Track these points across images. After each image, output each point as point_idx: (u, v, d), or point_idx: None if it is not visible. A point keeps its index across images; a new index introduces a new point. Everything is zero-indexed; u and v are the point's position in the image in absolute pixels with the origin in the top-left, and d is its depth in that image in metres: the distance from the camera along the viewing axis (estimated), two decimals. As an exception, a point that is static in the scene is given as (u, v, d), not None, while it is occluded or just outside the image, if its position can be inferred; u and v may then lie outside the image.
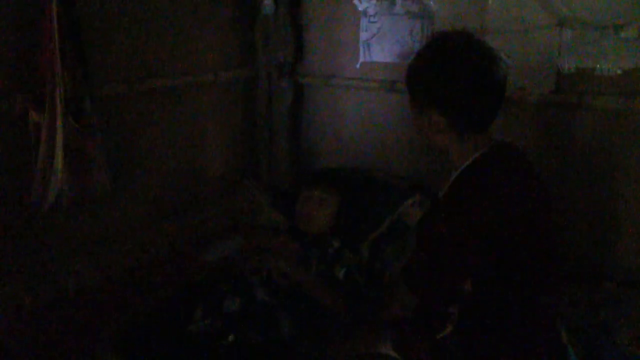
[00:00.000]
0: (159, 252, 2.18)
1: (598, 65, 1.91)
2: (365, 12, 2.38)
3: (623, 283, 1.98)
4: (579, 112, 2.00)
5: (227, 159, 2.65)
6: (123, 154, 2.08)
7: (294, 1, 2.55)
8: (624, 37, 1.84)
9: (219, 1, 2.44)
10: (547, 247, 1.38)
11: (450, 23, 2.13)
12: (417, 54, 1.40)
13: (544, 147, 2.10)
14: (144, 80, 2.12)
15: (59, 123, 1.74)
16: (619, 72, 1.89)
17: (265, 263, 1.88)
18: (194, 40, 2.35)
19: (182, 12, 2.26)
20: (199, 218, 2.42)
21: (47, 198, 1.76)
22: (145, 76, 2.13)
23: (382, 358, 1.49)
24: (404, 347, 1.48)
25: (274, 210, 2.44)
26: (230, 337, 1.55)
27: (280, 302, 1.73)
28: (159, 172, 2.28)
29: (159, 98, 2.22)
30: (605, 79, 1.92)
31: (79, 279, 1.91)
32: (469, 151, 1.38)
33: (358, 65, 2.46)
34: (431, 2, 2.20)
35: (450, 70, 1.30)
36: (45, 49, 1.71)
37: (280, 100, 2.64)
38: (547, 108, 2.05)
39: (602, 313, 1.81)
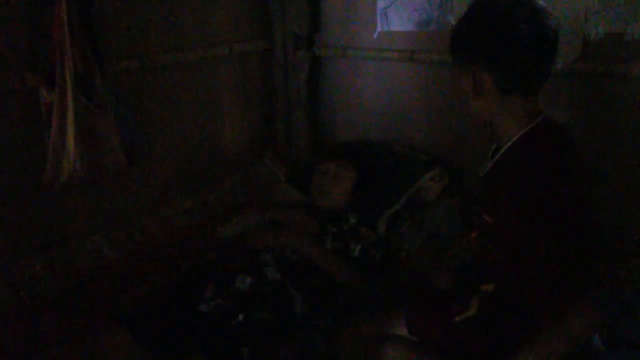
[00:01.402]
0: (176, 228, 2.18)
1: (628, 30, 1.80)
2: (382, -20, 2.30)
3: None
4: (608, 81, 1.90)
5: (244, 133, 2.62)
6: (138, 131, 2.07)
7: (310, -29, 2.48)
8: (656, -1, 1.73)
9: (232, -28, 2.39)
10: (589, 233, 1.31)
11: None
12: (465, 12, 1.31)
13: (571, 118, 2.00)
14: (157, 56, 2.09)
15: (69, 101, 1.73)
16: (650, 36, 1.78)
17: (279, 238, 1.86)
18: (208, 13, 2.30)
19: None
20: (217, 193, 2.41)
21: (60, 177, 1.76)
22: (158, 51, 2.10)
23: (396, 339, 1.46)
24: (419, 328, 1.45)
25: (291, 185, 2.41)
26: (240, 317, 1.54)
27: (292, 280, 1.71)
28: (175, 147, 2.26)
29: (173, 73, 2.20)
30: (637, 44, 1.81)
31: (95, 257, 1.93)
32: (519, 121, 1.27)
33: (376, 35, 2.39)
34: (451, -33, 2.11)
35: (498, 23, 1.22)
36: (55, 26, 1.70)
37: (297, 73, 2.59)
38: (573, 77, 1.95)
39: (626, 291, 1.75)
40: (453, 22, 1.98)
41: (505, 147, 1.29)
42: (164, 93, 2.18)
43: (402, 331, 1.49)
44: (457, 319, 1.39)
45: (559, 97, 2.00)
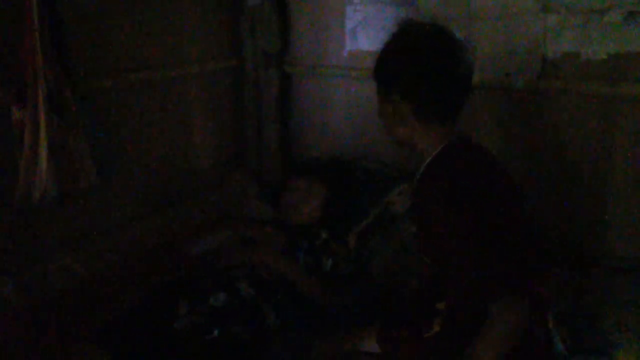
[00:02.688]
0: (147, 246, 2.17)
1: (583, 50, 1.90)
2: (350, 0, 2.36)
3: (612, 270, 1.98)
4: (565, 98, 1.99)
5: (215, 150, 2.64)
6: (110, 148, 2.07)
7: (280, -10, 2.53)
8: (608, 22, 1.83)
9: (203, -9, 2.43)
10: (527, 234, 1.37)
11: (436, 10, 2.13)
12: (387, 42, 1.39)
13: (531, 133, 2.09)
14: (129, 74, 2.11)
15: (41, 119, 1.73)
16: (604, 56, 1.87)
17: (250, 256, 1.88)
18: (179, 32, 2.32)
19: (166, 4, 2.24)
20: (188, 211, 2.41)
21: (32, 195, 1.75)
22: (130, 69, 2.11)
23: (368, 357, 1.49)
24: (390, 345, 1.48)
25: (262, 202, 2.44)
26: (215, 332, 1.55)
27: (265, 296, 1.73)
28: (146, 165, 2.27)
29: (144, 91, 2.21)
30: (591, 64, 1.91)
31: (67, 275, 1.91)
32: (435, 143, 1.35)
33: (345, 54, 2.44)
34: (416, -11, 2.18)
35: (419, 57, 1.30)
36: (26, 44, 1.70)
37: (268, 90, 2.62)
38: (533, 94, 2.03)
39: (589, 299, 1.81)
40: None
41: (424, 165, 1.37)
42: (136, 111, 2.18)
43: (374, 347, 1.52)
44: (425, 336, 1.42)
45: (519, 112, 2.08)
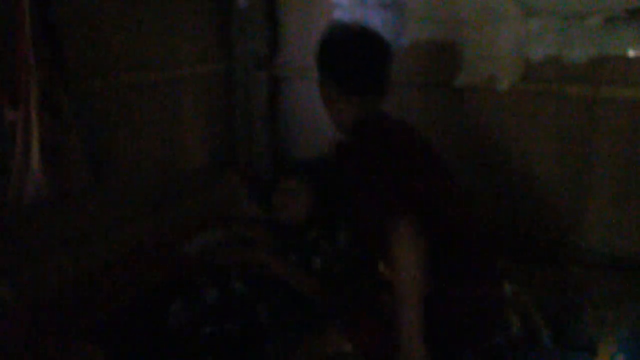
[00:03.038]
0: (141, 246, 2.19)
1: (564, 53, 1.97)
2: (338, 4, 2.40)
3: (590, 266, 2.05)
4: (548, 99, 2.06)
5: (207, 151, 2.66)
6: (103, 149, 2.09)
7: (269, -6, 2.57)
8: (588, 26, 1.89)
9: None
10: (462, 210, 1.51)
11: (423, 14, 2.18)
12: (320, 40, 1.68)
13: (514, 134, 2.15)
14: (122, 76, 2.13)
15: (34, 120, 1.74)
16: (584, 59, 1.94)
17: (243, 255, 1.90)
18: (171, 35, 2.35)
19: (158, 7, 2.26)
20: (180, 211, 2.44)
21: (25, 195, 1.76)
22: (123, 71, 2.13)
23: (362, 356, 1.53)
24: (355, 336, 1.52)
25: (253, 202, 2.46)
26: (207, 329, 1.58)
27: (258, 293, 1.75)
28: (139, 166, 2.28)
29: (137, 92, 2.22)
30: (572, 66, 1.98)
31: (61, 275, 1.92)
32: (357, 116, 1.61)
33: (333, 57, 2.48)
34: (402, -6, 2.23)
35: (342, 48, 1.61)
36: (19, 44, 1.71)
37: (258, 93, 2.66)
38: (516, 95, 2.10)
39: (571, 295, 1.87)
40: (406, 45, 2.13)
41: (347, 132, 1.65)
42: (128, 112, 2.20)
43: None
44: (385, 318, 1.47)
45: (503, 113, 2.15)
